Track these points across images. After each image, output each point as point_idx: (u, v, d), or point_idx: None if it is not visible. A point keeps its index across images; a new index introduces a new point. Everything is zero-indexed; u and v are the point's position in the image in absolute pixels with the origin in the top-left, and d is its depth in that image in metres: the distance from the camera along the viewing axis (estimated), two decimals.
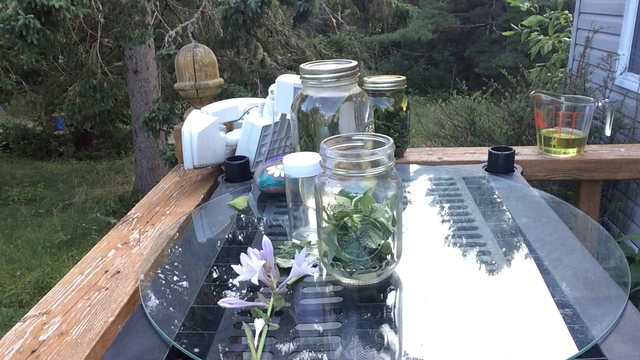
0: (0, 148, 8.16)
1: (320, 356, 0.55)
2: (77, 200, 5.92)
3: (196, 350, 0.56)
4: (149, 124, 3.32)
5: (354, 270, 0.65)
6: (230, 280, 0.71)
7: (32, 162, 7.84)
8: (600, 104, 1.47)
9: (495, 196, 1.01)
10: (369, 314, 0.61)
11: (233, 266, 0.65)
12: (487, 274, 0.71)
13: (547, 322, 0.59)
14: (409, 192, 1.03)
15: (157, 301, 0.68)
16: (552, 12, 3.92)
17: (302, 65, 0.87)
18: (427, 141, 4.50)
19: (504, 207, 0.94)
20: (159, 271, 0.77)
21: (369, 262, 0.65)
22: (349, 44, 9.20)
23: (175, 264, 0.81)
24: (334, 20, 7.02)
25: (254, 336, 0.56)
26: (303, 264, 0.65)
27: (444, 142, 4.03)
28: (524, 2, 3.94)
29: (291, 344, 0.57)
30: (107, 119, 7.52)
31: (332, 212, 0.64)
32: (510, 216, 0.90)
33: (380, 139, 0.66)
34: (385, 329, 0.59)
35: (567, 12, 3.91)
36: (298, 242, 0.77)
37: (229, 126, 1.28)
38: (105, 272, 0.82)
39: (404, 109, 1.21)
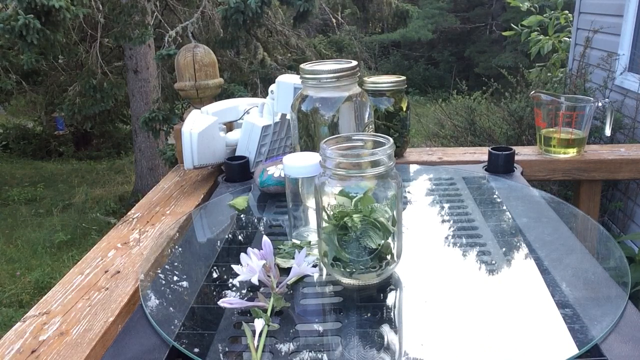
0: (0, 148, 8.16)
1: (320, 356, 0.55)
2: (77, 200, 5.93)
3: (196, 350, 0.56)
4: (149, 124, 3.32)
5: (354, 270, 0.65)
6: (230, 280, 0.71)
7: (32, 162, 7.84)
8: (600, 104, 1.47)
9: (495, 196, 1.01)
10: (369, 314, 0.61)
11: (233, 266, 0.65)
12: (487, 274, 0.71)
13: (547, 322, 0.59)
14: (409, 192, 1.03)
15: (157, 301, 0.68)
16: (552, 12, 3.92)
17: (302, 65, 0.87)
18: (427, 141, 4.50)
19: (504, 207, 0.94)
20: (159, 271, 0.77)
21: (369, 262, 0.65)
22: (349, 44, 9.20)
23: (175, 264, 0.81)
24: (334, 20, 7.02)
25: (254, 336, 0.56)
26: (303, 264, 0.65)
27: (444, 142, 4.03)
28: (524, 2, 3.94)
29: (291, 344, 0.57)
30: (107, 119, 7.53)
31: (332, 212, 0.64)
32: (510, 216, 0.90)
33: (380, 139, 0.66)
34: (385, 329, 0.59)
35: (567, 12, 3.91)
36: (298, 242, 0.77)
37: (229, 126, 1.28)
38: (105, 272, 0.82)
39: (404, 109, 1.21)
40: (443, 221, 0.90)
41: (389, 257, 0.66)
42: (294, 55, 5.92)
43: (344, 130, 0.86)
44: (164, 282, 0.74)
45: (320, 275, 0.70)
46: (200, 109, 1.22)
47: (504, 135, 3.33)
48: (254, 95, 4.41)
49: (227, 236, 0.88)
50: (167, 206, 1.09)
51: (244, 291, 0.68)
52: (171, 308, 0.67)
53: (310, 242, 0.76)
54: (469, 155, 1.33)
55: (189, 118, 1.15)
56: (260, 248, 0.66)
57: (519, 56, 8.44)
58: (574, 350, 0.53)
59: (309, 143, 0.88)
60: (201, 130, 1.11)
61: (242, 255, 0.64)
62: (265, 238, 0.67)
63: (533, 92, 1.33)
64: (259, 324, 0.57)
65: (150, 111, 3.40)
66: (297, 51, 5.95)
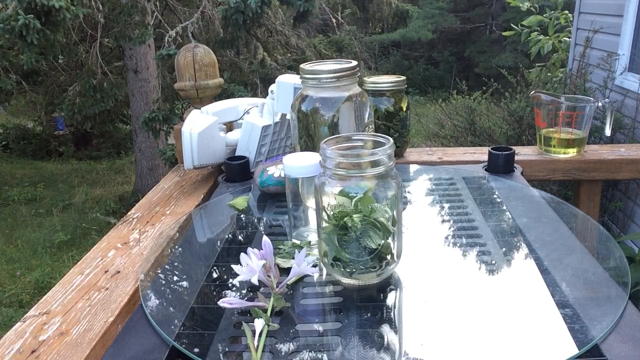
0: (0, 148, 8.16)
1: (320, 356, 0.55)
2: (77, 200, 5.93)
3: (196, 350, 0.56)
4: (149, 124, 3.32)
5: (354, 270, 0.65)
6: (230, 280, 0.71)
7: (32, 162, 7.84)
8: (600, 104, 1.47)
9: (495, 196, 1.01)
10: (369, 314, 0.61)
11: (233, 266, 0.65)
12: (487, 274, 0.71)
13: (547, 322, 0.59)
14: (409, 192, 1.03)
15: (157, 301, 0.68)
16: (552, 12, 3.92)
17: (302, 65, 0.87)
18: (427, 141, 4.50)
19: (504, 207, 0.94)
20: (159, 271, 0.77)
21: (369, 262, 0.65)
22: (349, 44, 9.20)
23: (175, 264, 0.81)
24: (334, 20, 7.02)
25: (254, 336, 0.56)
26: (303, 264, 0.65)
27: (444, 142, 4.03)
28: (524, 2, 3.94)
29: (291, 344, 0.57)
30: (107, 119, 7.53)
31: (332, 212, 0.64)
32: (510, 216, 0.90)
33: (380, 139, 0.66)
34: (385, 329, 0.59)
35: (567, 12, 3.91)
36: (298, 242, 0.77)
37: (229, 126, 1.28)
38: (105, 272, 0.82)
39: (404, 109, 1.21)
40: (443, 221, 0.90)
41: (389, 257, 0.66)
42: (294, 55, 5.92)
43: (344, 130, 0.86)
44: (164, 282, 0.74)
45: (320, 275, 0.70)
46: (200, 109, 1.22)
47: (504, 135, 3.33)
48: (254, 95, 4.41)
49: (227, 236, 0.88)
50: (167, 206, 1.09)
51: (244, 291, 0.68)
52: (171, 308, 0.67)
53: (310, 242, 0.76)
54: (469, 155, 1.33)
55: (189, 118, 1.15)
56: (260, 248, 0.66)
57: (519, 56, 8.44)
58: (574, 350, 0.53)
59: (309, 143, 0.88)
60: (201, 130, 1.11)
61: (242, 255, 0.64)
62: (265, 238, 0.67)
63: (533, 92, 1.33)
64: (259, 324, 0.57)
65: (150, 111, 3.40)
66: (297, 51, 5.95)
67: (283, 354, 0.55)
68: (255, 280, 0.62)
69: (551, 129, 1.28)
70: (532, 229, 0.84)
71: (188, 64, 1.31)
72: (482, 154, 1.30)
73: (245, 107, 1.27)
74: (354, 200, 0.63)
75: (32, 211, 5.66)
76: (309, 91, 0.87)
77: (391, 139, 0.65)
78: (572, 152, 1.28)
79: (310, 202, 0.73)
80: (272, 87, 1.14)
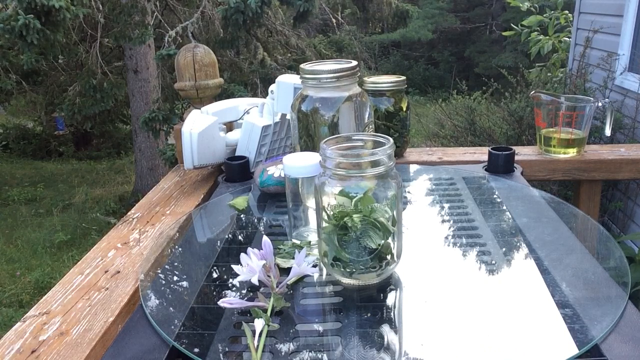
0: (0, 148, 8.16)
1: (320, 356, 0.55)
2: (77, 200, 5.93)
3: (196, 350, 0.56)
4: (149, 124, 3.33)
5: (354, 270, 0.65)
6: (230, 280, 0.71)
7: (32, 162, 7.84)
8: (600, 104, 1.47)
9: (495, 196, 1.01)
10: (369, 314, 0.61)
11: (233, 266, 0.65)
12: (487, 274, 0.71)
13: (547, 322, 0.59)
14: (409, 192, 1.03)
15: (157, 301, 0.68)
16: (552, 12, 3.92)
17: (302, 65, 0.87)
18: (427, 141, 4.50)
19: (504, 207, 0.94)
20: (159, 271, 0.77)
21: (369, 262, 0.65)
22: (349, 44, 9.20)
23: (175, 264, 0.81)
24: (334, 20, 7.02)
25: (254, 336, 0.56)
26: (303, 264, 0.65)
27: (444, 142, 4.03)
28: (524, 2, 3.94)
29: (291, 344, 0.57)
30: (107, 119, 7.53)
31: (332, 212, 0.64)
32: (510, 216, 0.90)
33: (380, 139, 0.66)
34: (385, 329, 0.59)
35: (567, 12, 3.91)
36: (298, 242, 0.77)
37: (229, 126, 1.28)
38: (105, 272, 0.82)
39: (404, 109, 1.21)
40: (443, 221, 0.90)
41: (389, 257, 0.66)
42: (294, 55, 5.92)
43: (344, 130, 0.86)
44: (164, 282, 0.74)
45: (320, 275, 0.70)
46: (200, 109, 1.22)
47: (504, 135, 3.33)
48: (254, 95, 4.41)
49: (227, 236, 0.88)
50: (167, 206, 1.09)
51: (244, 291, 0.68)
52: (171, 308, 0.67)
53: (310, 242, 0.76)
54: (469, 155, 1.33)
55: (189, 118, 1.15)
56: (260, 248, 0.66)
57: (519, 56, 8.44)
58: (574, 350, 0.53)
59: (309, 143, 0.88)
60: (201, 130, 1.11)
61: (242, 255, 0.64)
62: (265, 238, 0.67)
63: (533, 92, 1.33)
64: (259, 324, 0.57)
65: (150, 111, 3.40)
66: (297, 51, 5.95)
67: (283, 354, 0.55)
68: (255, 280, 0.62)
69: (551, 129, 1.28)
70: (532, 229, 0.84)
71: (188, 64, 1.31)
72: (482, 154, 1.30)
73: (245, 107, 1.27)
74: (354, 200, 0.63)
75: (32, 211, 5.67)
76: (309, 91, 0.87)
77: (391, 139, 0.65)
78: (572, 152, 1.28)
79: (310, 202, 0.73)
80: (272, 87, 1.14)
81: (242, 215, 0.96)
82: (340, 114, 0.86)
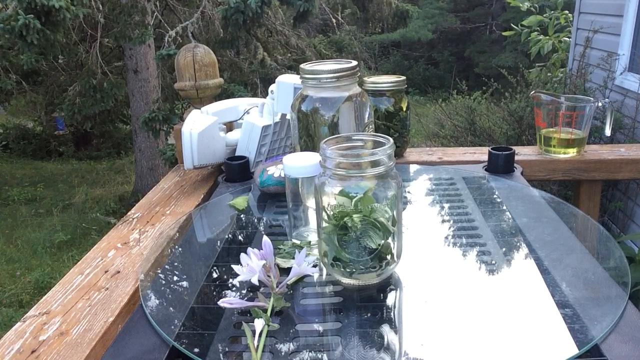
0: (0, 148, 8.16)
1: (320, 356, 0.55)
2: (77, 200, 5.93)
3: (196, 350, 0.56)
4: (149, 124, 3.33)
5: (354, 270, 0.65)
6: (230, 280, 0.71)
7: (32, 162, 7.84)
8: (600, 104, 1.47)
9: (495, 196, 1.01)
10: (369, 314, 0.61)
11: (233, 266, 0.65)
12: (487, 274, 0.71)
13: (547, 322, 0.59)
14: (409, 192, 1.03)
15: (157, 301, 0.68)
16: (552, 12, 3.92)
17: (302, 65, 0.87)
18: (427, 141, 4.50)
19: (504, 207, 0.94)
20: (159, 271, 0.77)
21: (369, 262, 0.65)
22: (349, 44, 9.20)
23: (175, 264, 0.81)
24: (334, 20, 7.02)
25: (254, 336, 0.56)
26: (303, 264, 0.65)
27: (444, 142, 4.03)
28: (524, 2, 3.94)
29: (291, 344, 0.57)
30: (107, 119, 7.53)
31: (332, 212, 0.64)
32: (510, 216, 0.90)
33: (380, 139, 0.66)
34: (385, 329, 0.59)
35: (567, 12, 3.91)
36: (298, 242, 0.77)
37: (229, 126, 1.28)
38: (105, 272, 0.82)
39: (404, 109, 1.21)
40: (443, 221, 0.90)
41: (389, 257, 0.66)
42: (294, 55, 5.92)
43: (344, 130, 0.86)
44: (164, 282, 0.74)
45: (320, 275, 0.70)
46: (200, 109, 1.22)
47: (504, 135, 3.33)
48: (254, 95, 4.41)
49: (227, 236, 0.88)
50: (167, 206, 1.09)
51: (244, 291, 0.68)
52: (171, 308, 0.67)
53: (310, 242, 0.76)
54: (469, 155, 1.33)
55: (189, 118, 1.15)
56: (260, 248, 0.66)
57: (519, 56, 8.44)
58: (574, 350, 0.53)
59: (309, 143, 0.88)
60: (201, 130, 1.11)
61: (242, 255, 0.64)
62: (265, 238, 0.67)
63: (533, 92, 1.33)
64: (259, 324, 0.57)
65: (150, 111, 3.40)
66: (297, 51, 5.95)
67: (283, 354, 0.55)
68: (255, 280, 0.62)
69: (551, 129, 1.28)
70: (532, 229, 0.84)
71: (188, 64, 1.31)
72: (482, 154, 1.30)
73: (245, 107, 1.27)
74: (354, 200, 0.63)
75: (32, 211, 5.67)
76: (309, 91, 0.87)
77: (391, 139, 0.65)
78: (572, 152, 1.28)
79: (310, 202, 0.73)
80: (272, 87, 1.14)
81: (242, 215, 0.96)
82: (340, 114, 0.86)
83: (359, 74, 0.87)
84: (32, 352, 0.63)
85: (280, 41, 5.95)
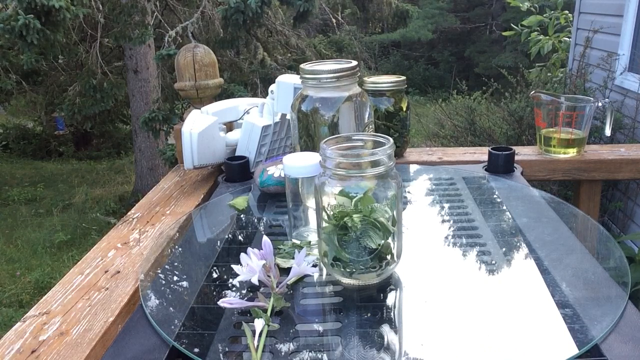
0: (0, 148, 8.16)
1: (320, 356, 0.55)
2: (77, 200, 5.93)
3: (196, 350, 0.56)
4: (149, 124, 3.33)
5: (354, 270, 0.65)
6: (230, 280, 0.71)
7: (32, 162, 7.84)
8: (600, 104, 1.47)
9: (495, 196, 1.01)
10: (369, 314, 0.61)
11: (233, 266, 0.65)
12: (487, 274, 0.71)
13: (547, 322, 0.59)
14: (409, 192, 1.03)
15: (157, 301, 0.68)
16: (552, 12, 3.92)
17: (302, 65, 0.87)
18: (427, 141, 4.50)
19: (504, 207, 0.94)
20: (159, 271, 0.77)
21: (369, 262, 0.65)
22: (349, 44, 9.19)
23: (175, 264, 0.81)
24: (334, 20, 7.02)
25: (254, 336, 0.56)
26: (303, 264, 0.65)
27: (444, 142, 4.03)
28: (524, 2, 3.94)
29: (291, 344, 0.57)
30: (107, 119, 7.53)
31: (332, 212, 0.64)
32: (510, 216, 0.90)
33: (380, 139, 0.66)
34: (385, 329, 0.59)
35: (567, 12, 3.91)
36: (298, 242, 0.77)
37: (229, 126, 1.28)
38: (105, 272, 0.82)
39: (404, 109, 1.21)
40: (443, 221, 0.90)
41: (389, 257, 0.66)
42: (294, 55, 5.92)
43: (344, 130, 0.86)
44: (164, 282, 0.74)
45: (320, 275, 0.70)
46: (200, 109, 1.22)
47: (504, 135, 3.33)
48: (254, 95, 4.41)
49: (227, 236, 0.88)
50: (167, 206, 1.09)
51: (244, 291, 0.68)
52: (171, 308, 0.67)
53: (310, 242, 0.76)
54: (469, 155, 1.33)
55: (189, 118, 1.15)
56: (260, 248, 0.66)
57: (519, 56, 8.44)
58: (574, 350, 0.53)
59: (309, 143, 0.88)
60: (201, 130, 1.11)
61: (242, 255, 0.64)
62: (265, 238, 0.67)
63: (533, 92, 1.33)
64: (259, 324, 0.57)
65: (150, 111, 3.40)
66: (297, 51, 5.95)
67: (283, 354, 0.55)
68: (255, 280, 0.62)
69: (551, 129, 1.28)
70: (532, 229, 0.84)
71: (188, 64, 1.31)
72: (482, 154, 1.30)
73: (245, 107, 1.27)
74: (354, 200, 0.63)
75: (32, 211, 5.67)
76: (309, 91, 0.87)
77: (391, 139, 0.65)
78: (572, 152, 1.28)
79: (310, 202, 0.73)
80: (272, 87, 1.14)
81: (242, 215, 0.96)
82: (340, 114, 0.86)
83: (359, 74, 0.87)
84: (32, 352, 0.63)
85: (280, 41, 5.95)
